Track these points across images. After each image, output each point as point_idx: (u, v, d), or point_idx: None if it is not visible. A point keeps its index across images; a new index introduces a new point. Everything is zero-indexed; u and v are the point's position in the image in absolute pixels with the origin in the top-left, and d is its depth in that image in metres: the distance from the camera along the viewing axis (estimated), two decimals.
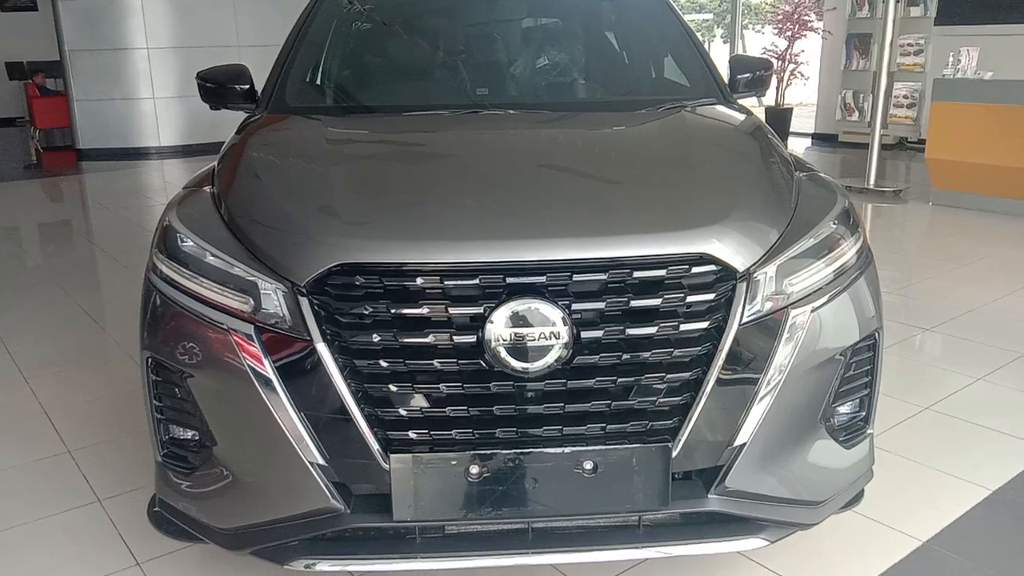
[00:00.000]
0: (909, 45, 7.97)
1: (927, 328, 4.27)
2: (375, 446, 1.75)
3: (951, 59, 7.35)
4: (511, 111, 2.74)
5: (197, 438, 1.98)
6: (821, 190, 2.24)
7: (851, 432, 2.09)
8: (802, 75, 11.87)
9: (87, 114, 11.29)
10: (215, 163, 2.37)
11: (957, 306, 4.57)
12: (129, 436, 3.13)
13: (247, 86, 2.90)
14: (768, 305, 1.86)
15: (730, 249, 1.83)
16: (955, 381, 3.58)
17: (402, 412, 1.77)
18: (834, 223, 2.07)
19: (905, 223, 7.08)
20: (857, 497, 2.18)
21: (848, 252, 2.05)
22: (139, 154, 11.26)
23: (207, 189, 2.23)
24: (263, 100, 2.83)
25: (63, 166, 11.11)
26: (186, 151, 11.35)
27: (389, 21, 3.29)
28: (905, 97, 8.01)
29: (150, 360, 1.99)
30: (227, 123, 2.83)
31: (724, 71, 3.05)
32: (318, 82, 3.11)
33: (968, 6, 9.70)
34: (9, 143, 13.70)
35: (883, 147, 8.39)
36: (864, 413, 2.13)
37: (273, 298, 1.81)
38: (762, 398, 1.84)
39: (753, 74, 2.97)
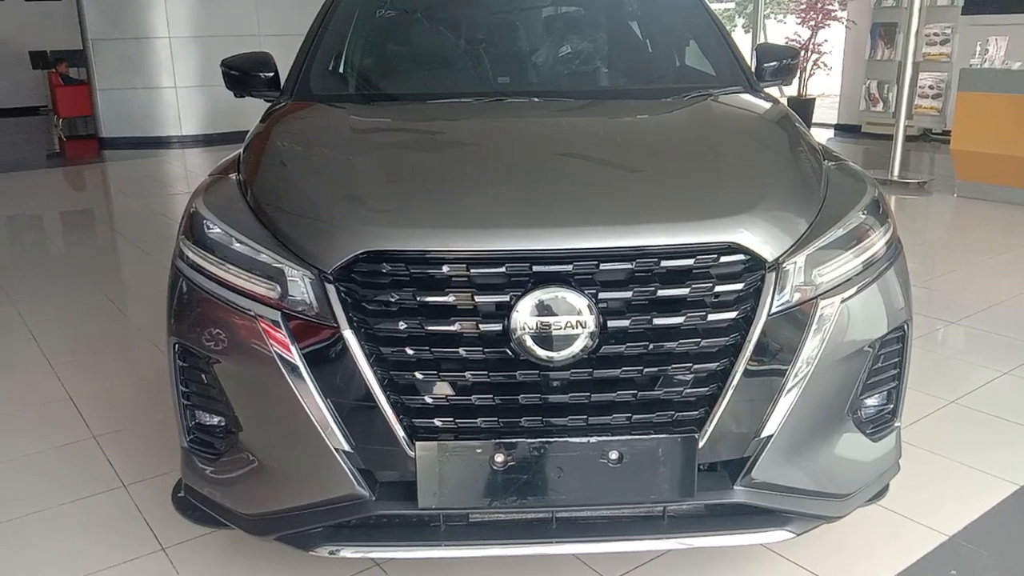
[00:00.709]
0: (935, 35, 7.86)
1: (952, 321, 4.22)
2: (400, 433, 1.75)
3: (978, 48, 7.25)
4: (535, 99, 2.72)
5: (223, 424, 1.99)
6: (850, 180, 2.22)
7: (878, 425, 2.07)
8: (825, 65, 11.76)
9: (109, 103, 11.37)
10: (240, 150, 2.38)
11: (982, 299, 4.52)
12: (153, 422, 3.16)
13: (271, 74, 2.90)
14: (797, 296, 1.84)
15: (759, 239, 1.82)
16: (980, 375, 3.54)
17: (428, 400, 1.77)
18: (863, 213, 2.04)
19: (929, 215, 7.00)
20: (883, 491, 2.16)
21: (878, 243, 2.03)
22: (161, 143, 11.34)
23: (233, 176, 2.23)
24: (287, 88, 2.83)
25: (86, 154, 11.20)
26: (207, 140, 11.41)
27: (411, 10, 3.29)
28: (931, 87, 7.90)
29: (177, 346, 2.00)
30: (248, 112, 2.84)
31: (749, 60, 3.02)
32: (341, 70, 3.11)
33: None
34: (33, 132, 13.83)
35: (907, 138, 8.29)
36: (892, 406, 2.11)
37: (300, 285, 1.81)
38: (790, 390, 1.82)
39: (780, 62, 2.94)
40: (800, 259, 1.85)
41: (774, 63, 2.93)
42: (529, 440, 1.75)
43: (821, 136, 11.38)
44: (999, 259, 5.39)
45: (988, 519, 2.50)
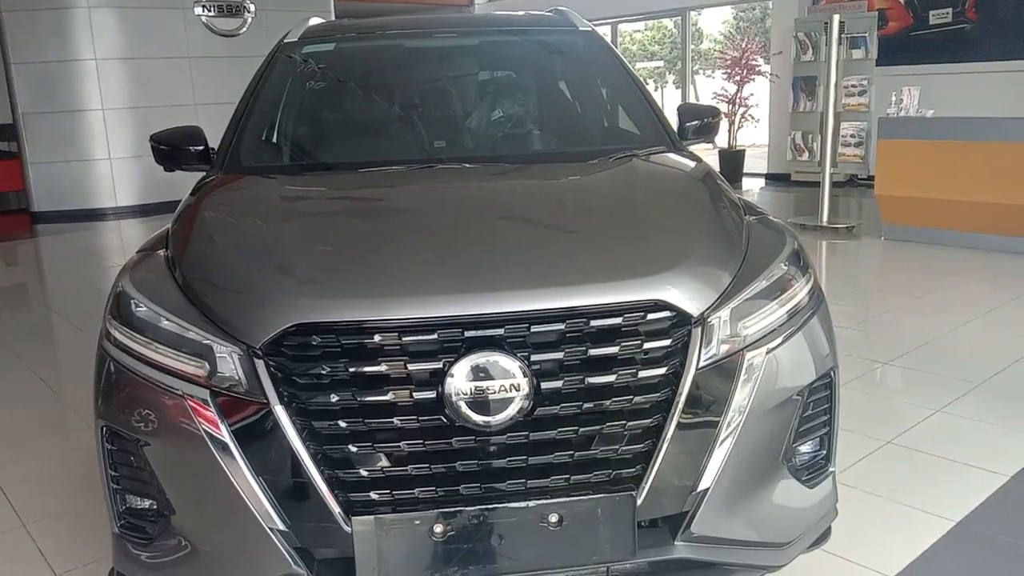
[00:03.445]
0: (853, 86, 8.22)
1: (885, 362, 4.34)
2: (336, 509, 1.72)
3: (894, 98, 7.61)
4: (466, 164, 2.76)
5: (155, 507, 1.94)
6: (771, 232, 2.29)
7: (813, 471, 2.10)
8: (752, 117, 12.19)
9: (41, 176, 11.17)
10: (169, 225, 2.36)
11: (913, 339, 4.66)
12: (87, 506, 3.05)
13: (201, 147, 2.89)
14: (724, 348, 1.88)
15: (684, 295, 1.86)
16: (915, 414, 3.63)
17: (363, 473, 1.75)
18: (785, 264, 2.11)
19: (859, 258, 7.24)
20: (824, 535, 2.18)
21: (800, 293, 2.08)
22: (95, 215, 11.16)
23: (161, 252, 2.21)
24: (218, 160, 2.83)
25: (17, 230, 10.94)
26: (144, 211, 11.25)
27: (343, 79, 3.32)
28: (852, 136, 8.23)
29: (104, 429, 1.95)
30: (185, 182, 2.82)
31: (674, 119, 3.12)
32: (273, 141, 3.11)
33: (906, 47, 10.09)
34: None
35: (834, 185, 8.60)
36: (825, 451, 2.14)
37: (229, 361, 1.79)
38: (723, 441, 1.85)
39: (701, 121, 3.04)
40: (725, 312, 1.90)
41: (696, 122, 3.03)
42: (468, 508, 1.74)
43: (753, 185, 11.73)
44: (927, 299, 5.58)
45: (929, 556, 2.54)
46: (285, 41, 3.31)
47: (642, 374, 1.80)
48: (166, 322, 1.90)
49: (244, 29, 12.05)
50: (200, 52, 11.68)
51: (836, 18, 8.10)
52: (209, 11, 11.73)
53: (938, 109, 7.54)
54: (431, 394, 1.74)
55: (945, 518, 2.76)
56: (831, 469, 2.15)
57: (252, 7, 12.09)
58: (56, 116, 11.01)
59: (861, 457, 3.21)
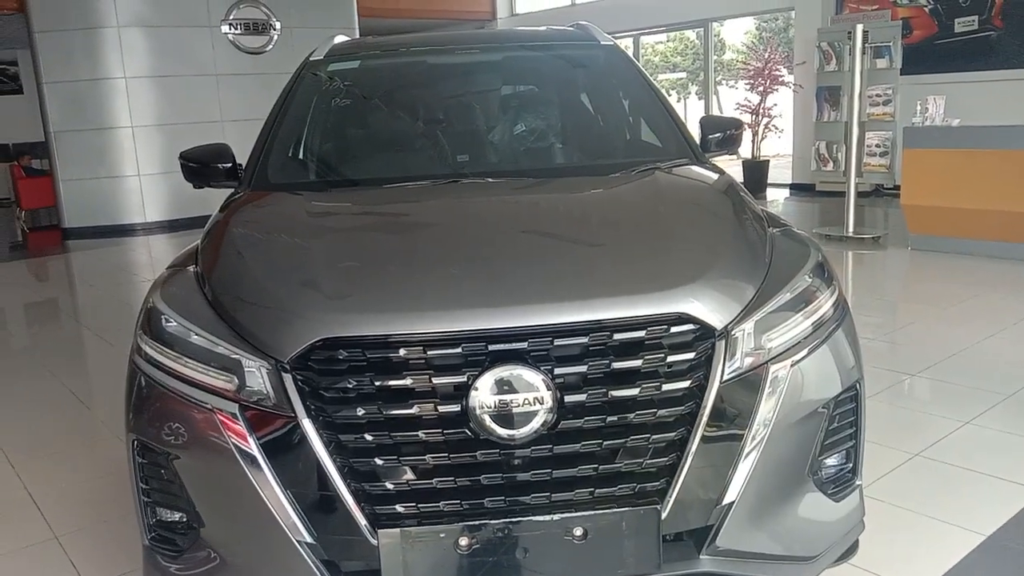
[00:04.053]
0: (878, 96, 8.17)
1: (913, 373, 4.30)
2: (362, 522, 1.74)
3: (919, 108, 7.55)
4: (490, 179, 2.79)
5: (184, 520, 1.97)
6: (794, 244, 2.28)
7: (840, 484, 2.09)
8: (776, 128, 12.15)
9: (72, 193, 11.39)
10: (199, 241, 2.40)
11: (941, 350, 4.61)
12: (117, 519, 3.09)
13: (229, 164, 2.94)
14: (748, 361, 1.87)
15: (707, 308, 1.86)
16: (943, 426, 3.59)
17: (389, 486, 1.77)
18: (809, 277, 2.10)
19: (886, 269, 7.17)
20: (852, 549, 2.17)
21: (824, 305, 2.08)
22: (125, 231, 11.34)
23: (191, 268, 2.25)
24: (246, 177, 2.87)
25: (49, 245, 11.15)
26: (172, 226, 11.43)
27: (368, 96, 3.36)
28: (878, 146, 8.17)
29: (136, 443, 1.99)
30: (213, 197, 2.87)
31: (696, 131, 3.12)
32: (300, 157, 3.16)
33: (931, 56, 10.02)
34: None
35: (859, 195, 8.54)
36: (851, 464, 2.13)
37: (257, 376, 1.81)
38: (748, 454, 1.85)
39: (724, 133, 3.04)
40: (749, 325, 1.90)
41: (718, 134, 3.03)
42: (493, 521, 1.74)
43: (778, 196, 11.67)
44: (954, 310, 5.52)
45: (958, 572, 2.51)
46: (311, 59, 3.36)
47: (666, 387, 1.81)
48: (196, 337, 1.94)
49: (270, 46, 12.23)
50: (227, 70, 11.86)
51: (860, 27, 8.06)
52: (236, 29, 11.92)
53: (964, 118, 7.47)
54: (456, 407, 1.75)
55: (975, 532, 2.72)
56: (858, 482, 2.13)
57: (278, 25, 12.26)
58: (86, 134, 11.23)
59: (889, 470, 3.18)
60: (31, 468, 3.65)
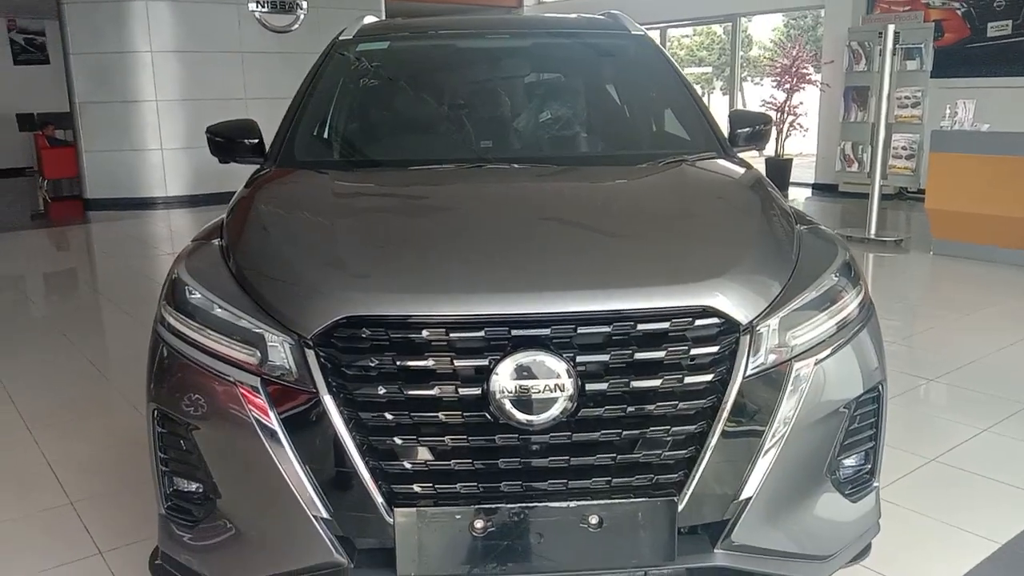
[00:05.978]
0: (906, 98, 8.07)
1: (931, 379, 4.26)
2: (379, 500, 1.75)
3: (948, 111, 7.46)
4: (515, 165, 2.78)
5: (201, 490, 1.98)
6: (822, 243, 2.26)
7: (857, 485, 2.08)
8: (801, 127, 12.04)
9: (95, 164, 11.46)
10: (224, 216, 2.41)
11: (961, 356, 4.57)
12: (132, 488, 3.12)
13: (256, 140, 2.94)
14: (772, 358, 1.86)
15: (733, 302, 1.85)
16: (961, 432, 3.56)
17: (407, 465, 1.77)
18: (835, 275, 2.08)
19: (907, 273, 7.11)
20: (865, 551, 2.16)
21: (850, 304, 2.06)
22: (146, 204, 11.40)
23: (216, 242, 2.26)
24: (272, 154, 2.88)
25: (71, 215, 11.24)
26: (193, 201, 11.48)
27: (395, 77, 3.36)
28: (904, 148, 8.08)
29: (156, 412, 2.00)
30: (233, 174, 2.88)
31: (724, 124, 3.10)
32: (326, 136, 3.16)
33: (963, 59, 9.89)
34: (18, 193, 13.87)
35: (883, 197, 8.46)
36: (870, 466, 2.12)
37: (280, 350, 1.82)
38: (767, 451, 1.84)
39: (753, 128, 3.01)
40: (774, 321, 1.88)
41: (747, 129, 3.00)
42: (509, 505, 1.75)
43: (800, 195, 11.59)
44: (975, 316, 5.47)
45: None
46: (340, 39, 3.35)
47: (688, 380, 1.80)
48: (219, 310, 1.95)
49: (296, 26, 12.23)
50: (253, 47, 11.88)
51: (891, 28, 7.96)
52: (263, 7, 11.92)
53: (994, 124, 7.37)
54: (476, 391, 1.75)
55: (989, 539, 2.70)
56: (875, 484, 2.12)
57: (304, 4, 12.26)
58: (111, 106, 11.28)
59: (905, 474, 3.16)
60: (48, 435, 3.69)
